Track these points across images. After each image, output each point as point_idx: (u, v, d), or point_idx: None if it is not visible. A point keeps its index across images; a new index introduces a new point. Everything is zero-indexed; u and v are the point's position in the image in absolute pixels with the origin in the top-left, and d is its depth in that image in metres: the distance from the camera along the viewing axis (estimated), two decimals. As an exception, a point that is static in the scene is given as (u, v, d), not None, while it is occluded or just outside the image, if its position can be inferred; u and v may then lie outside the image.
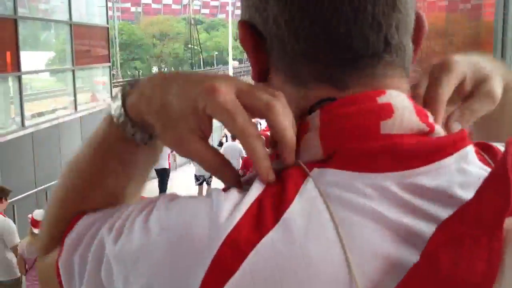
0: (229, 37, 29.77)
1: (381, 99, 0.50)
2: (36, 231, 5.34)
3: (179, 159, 12.82)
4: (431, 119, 0.52)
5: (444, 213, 0.45)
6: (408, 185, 0.47)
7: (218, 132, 20.44)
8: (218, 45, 64.03)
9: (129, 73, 54.38)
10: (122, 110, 0.57)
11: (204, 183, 11.40)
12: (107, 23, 14.40)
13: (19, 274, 5.57)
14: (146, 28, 60.16)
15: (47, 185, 9.08)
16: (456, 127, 0.57)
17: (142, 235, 0.48)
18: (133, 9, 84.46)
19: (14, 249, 5.48)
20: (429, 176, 0.47)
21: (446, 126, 0.58)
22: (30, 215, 5.53)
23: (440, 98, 0.56)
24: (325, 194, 0.46)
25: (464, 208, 0.43)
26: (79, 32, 12.05)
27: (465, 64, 0.59)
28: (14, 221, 5.99)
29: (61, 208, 0.62)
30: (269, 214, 0.46)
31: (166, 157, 11.91)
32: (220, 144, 14.02)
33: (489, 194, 0.43)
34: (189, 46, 60.04)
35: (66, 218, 0.60)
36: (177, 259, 0.46)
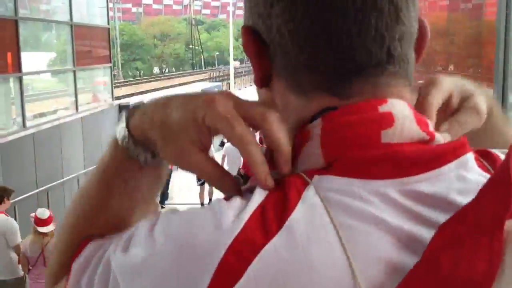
0: (230, 37, 29.77)
1: (382, 108, 0.51)
2: (40, 229, 5.39)
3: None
4: (431, 127, 0.53)
5: (443, 219, 0.46)
6: (408, 191, 0.48)
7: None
8: (219, 45, 64.08)
9: (130, 73, 54.43)
10: (126, 130, 0.59)
11: (206, 183, 11.40)
12: (108, 24, 14.41)
13: (22, 273, 5.60)
14: (147, 29, 60.22)
15: (48, 185, 9.09)
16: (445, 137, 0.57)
17: (147, 246, 0.49)
18: (134, 9, 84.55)
19: (17, 248, 5.51)
20: (428, 183, 0.48)
21: None
22: (32, 214, 5.54)
23: (430, 108, 0.58)
24: (327, 200, 0.47)
25: (464, 210, 0.44)
26: (80, 33, 12.06)
27: (451, 82, 0.62)
28: (15, 222, 5.99)
29: (71, 234, 0.63)
30: (272, 221, 0.46)
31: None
32: (222, 144, 14.03)
33: (490, 196, 0.43)
34: (190, 46, 60.10)
35: (75, 244, 0.61)
36: (183, 267, 0.46)
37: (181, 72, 51.73)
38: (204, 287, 0.45)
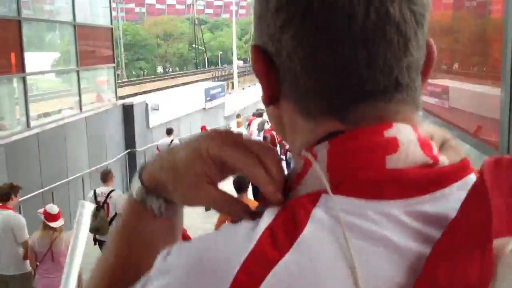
0: (233, 36, 29.77)
1: (388, 133, 0.52)
2: (51, 224, 5.46)
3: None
4: (435, 150, 0.54)
5: None
6: (414, 212, 0.49)
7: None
8: (222, 44, 64.06)
9: (134, 73, 54.47)
10: (139, 182, 0.63)
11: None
12: (111, 24, 14.41)
13: (29, 269, 5.68)
14: (150, 29, 60.27)
15: (53, 185, 9.11)
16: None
17: (161, 275, 0.51)
18: (137, 9, 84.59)
19: (25, 244, 5.60)
20: (432, 204, 0.50)
21: None
22: (40, 210, 5.63)
23: None
24: (335, 219, 0.48)
25: (453, 225, 0.46)
26: (83, 33, 12.07)
27: (429, 125, 0.66)
28: (20, 222, 6.01)
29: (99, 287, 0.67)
30: (284, 238, 0.48)
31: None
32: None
33: (473, 209, 0.46)
34: (193, 46, 60.10)
35: None
36: (198, 285, 0.48)
37: (185, 72, 51.76)
38: None
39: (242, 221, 0.52)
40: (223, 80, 28.83)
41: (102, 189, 7.17)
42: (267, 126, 15.01)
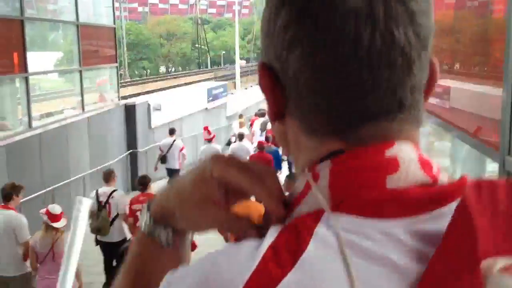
0: (236, 36, 29.73)
1: (389, 152, 0.53)
2: (54, 224, 5.45)
3: (187, 160, 12.84)
4: (435, 169, 0.55)
5: None
6: (414, 231, 0.50)
7: (226, 132, 20.45)
8: (225, 44, 64.05)
9: (136, 72, 54.51)
10: (147, 214, 0.66)
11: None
12: (114, 24, 14.42)
13: (29, 269, 5.67)
14: (153, 28, 60.28)
15: (54, 186, 9.10)
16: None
17: None
18: (140, 9, 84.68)
19: (26, 244, 5.58)
20: (432, 222, 0.50)
21: None
22: (42, 210, 5.62)
23: None
24: (337, 237, 0.49)
25: (441, 249, 0.47)
26: (86, 33, 12.08)
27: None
28: (21, 223, 6.00)
29: None
30: (287, 256, 0.49)
31: (177, 157, 11.91)
32: (229, 143, 14.02)
33: (458, 232, 0.47)
34: (196, 45, 60.10)
35: None
36: None
37: (187, 71, 51.76)
38: None
39: (246, 240, 0.53)
40: (225, 80, 28.81)
41: (104, 189, 7.15)
42: (270, 126, 15.01)
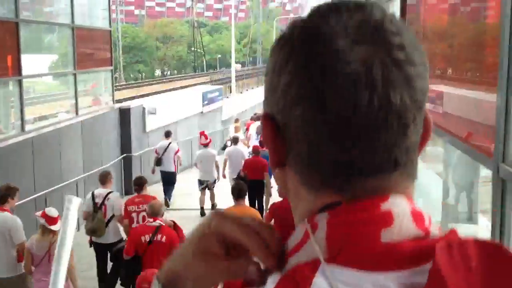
0: (232, 40, 29.78)
1: (384, 206, 0.56)
2: (51, 227, 5.49)
3: (183, 163, 12.80)
4: (427, 222, 0.58)
5: None
6: (407, 284, 0.53)
7: (222, 136, 20.42)
8: (221, 48, 64.13)
9: (132, 76, 54.47)
10: (157, 282, 0.67)
11: (207, 188, 11.36)
12: (110, 26, 14.38)
13: (23, 271, 5.69)
14: (150, 31, 60.31)
15: (47, 191, 9.03)
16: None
17: None
18: (136, 12, 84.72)
19: (21, 246, 5.61)
20: (421, 276, 0.52)
21: None
22: (38, 213, 5.66)
23: None
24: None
25: None
26: (82, 35, 12.03)
27: None
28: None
29: None
30: None
31: (172, 160, 11.90)
32: (224, 148, 14.01)
33: None
34: (192, 49, 60.14)
35: None
36: None
37: (183, 75, 51.74)
38: None
39: None
40: (221, 84, 28.81)
41: (100, 191, 7.22)
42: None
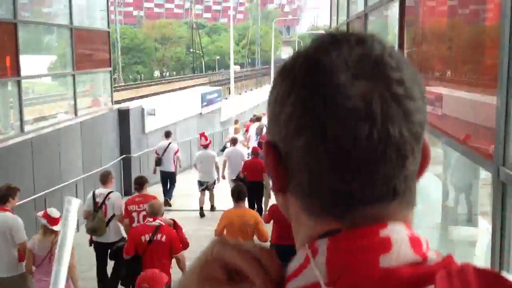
0: (231, 41, 29.77)
1: (383, 233, 0.58)
2: (53, 227, 5.48)
3: (182, 164, 12.79)
4: (424, 247, 0.59)
5: None
6: None
7: (220, 137, 20.41)
8: (219, 49, 64.10)
9: (130, 77, 54.42)
10: None
11: (207, 189, 11.36)
12: (108, 27, 14.37)
13: (23, 270, 5.71)
14: (148, 32, 60.27)
15: (46, 191, 9.01)
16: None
17: None
18: (135, 13, 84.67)
19: (23, 245, 5.64)
20: None
21: None
22: (39, 213, 5.65)
23: None
24: None
25: None
26: (80, 36, 12.02)
27: None
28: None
29: None
30: None
31: (172, 160, 11.90)
32: (223, 149, 14.03)
33: None
34: (191, 50, 60.10)
35: None
36: None
37: (182, 76, 51.68)
38: None
39: None
40: (220, 85, 28.78)
41: (101, 190, 7.26)
42: (265, 130, 15.04)
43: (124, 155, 13.51)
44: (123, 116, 13.82)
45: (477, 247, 4.40)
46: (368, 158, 0.57)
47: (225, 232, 6.43)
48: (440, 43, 3.81)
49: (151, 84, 36.43)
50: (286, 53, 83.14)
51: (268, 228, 6.52)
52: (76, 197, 9.51)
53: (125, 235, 7.11)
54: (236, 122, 16.98)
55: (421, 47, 4.27)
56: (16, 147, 8.75)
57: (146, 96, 22.35)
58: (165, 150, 11.88)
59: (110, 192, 7.19)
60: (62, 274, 1.54)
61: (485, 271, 0.53)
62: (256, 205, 10.32)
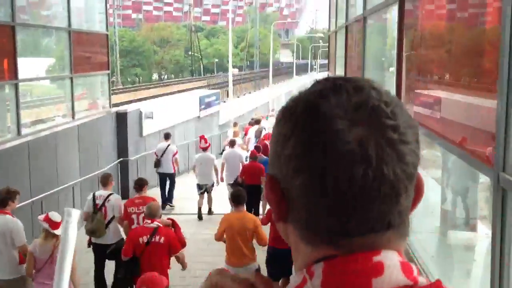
0: (230, 44, 29.77)
1: (376, 258, 0.62)
2: (55, 231, 5.46)
3: (180, 167, 12.77)
4: (415, 272, 0.63)
5: None
6: None
7: (219, 140, 20.39)
8: (218, 52, 64.14)
9: (129, 79, 54.41)
10: None
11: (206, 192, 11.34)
12: (107, 30, 14.34)
13: (23, 273, 5.72)
14: (147, 35, 60.32)
15: (43, 195, 8.97)
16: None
17: None
18: (134, 15, 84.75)
19: (23, 248, 5.66)
20: None
21: None
22: (40, 217, 5.64)
23: None
24: None
25: None
26: (79, 39, 11.99)
27: None
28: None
29: None
30: None
31: (171, 162, 11.91)
32: (223, 152, 14.03)
33: None
34: (190, 53, 60.13)
35: None
36: None
37: (180, 79, 51.69)
38: None
39: None
40: (218, 88, 28.77)
41: (101, 192, 7.32)
42: (265, 132, 15.03)
43: (121, 158, 13.48)
44: (121, 119, 13.79)
45: (476, 252, 4.37)
46: (363, 196, 0.60)
47: (224, 236, 6.43)
48: (439, 46, 3.79)
49: (149, 87, 36.41)
50: (285, 56, 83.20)
51: (265, 231, 6.53)
52: (73, 199, 9.55)
53: (124, 236, 7.11)
54: (235, 125, 16.96)
55: (420, 50, 4.26)
56: (13, 150, 8.71)
57: (144, 99, 22.33)
58: (164, 152, 11.91)
59: (110, 194, 7.25)
60: (64, 283, 1.53)
61: None
62: (253, 209, 10.30)
